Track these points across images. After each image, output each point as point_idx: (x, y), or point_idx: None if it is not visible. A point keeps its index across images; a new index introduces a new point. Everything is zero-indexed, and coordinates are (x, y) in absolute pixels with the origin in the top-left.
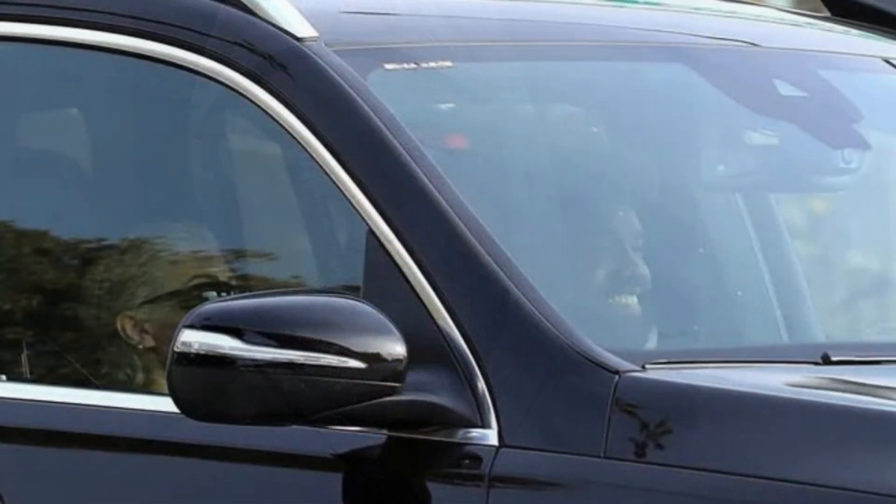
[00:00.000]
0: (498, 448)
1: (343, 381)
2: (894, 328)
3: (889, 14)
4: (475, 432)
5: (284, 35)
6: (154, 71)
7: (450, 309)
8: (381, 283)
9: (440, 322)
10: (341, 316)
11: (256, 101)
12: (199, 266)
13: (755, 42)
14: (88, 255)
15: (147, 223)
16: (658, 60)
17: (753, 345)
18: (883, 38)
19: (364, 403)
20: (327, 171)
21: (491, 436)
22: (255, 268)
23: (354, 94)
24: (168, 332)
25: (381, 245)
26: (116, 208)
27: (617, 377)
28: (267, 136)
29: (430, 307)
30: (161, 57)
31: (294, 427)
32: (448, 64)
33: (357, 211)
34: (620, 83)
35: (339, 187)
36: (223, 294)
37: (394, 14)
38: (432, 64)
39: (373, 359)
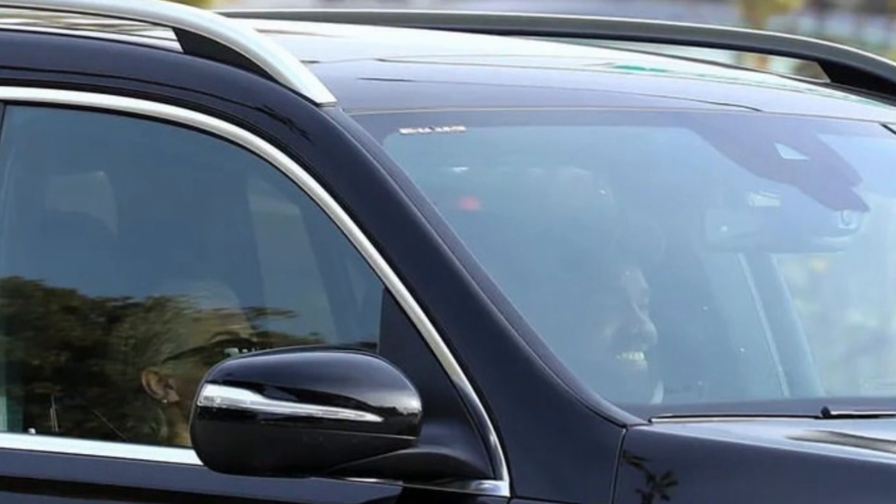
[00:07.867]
0: (509, 499)
1: (360, 434)
2: (892, 383)
3: (887, 81)
4: (487, 483)
5: (304, 101)
6: (178, 135)
7: (463, 365)
8: (396, 340)
9: (454, 377)
10: (358, 371)
11: (276, 165)
12: (222, 323)
13: (757, 107)
14: (115, 313)
15: (171, 282)
16: (663, 125)
17: (756, 399)
18: (880, 104)
19: (380, 456)
20: (345, 231)
21: (503, 487)
22: (275, 325)
23: (371, 158)
24: (191, 387)
25: (397, 303)
26: (141, 268)
27: (624, 430)
28: (286, 197)
29: (444, 363)
30: (184, 122)
31: (313, 478)
32: (461, 128)
33: (373, 270)
34: (627, 147)
35: (356, 247)
36: (244, 350)
37: (409, 80)
38: (446, 128)
39: (389, 413)
